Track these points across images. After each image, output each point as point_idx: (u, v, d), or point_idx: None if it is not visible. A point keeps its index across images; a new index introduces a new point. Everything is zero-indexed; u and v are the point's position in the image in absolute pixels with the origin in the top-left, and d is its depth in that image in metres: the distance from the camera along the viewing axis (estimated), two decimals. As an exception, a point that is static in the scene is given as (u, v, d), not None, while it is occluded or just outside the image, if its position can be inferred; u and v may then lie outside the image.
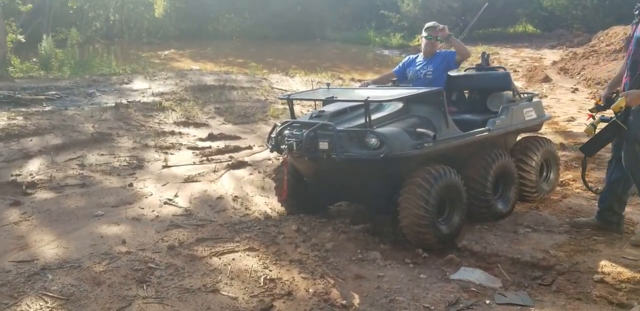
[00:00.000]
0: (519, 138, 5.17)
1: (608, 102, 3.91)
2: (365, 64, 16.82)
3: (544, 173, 5.02)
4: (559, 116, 8.28)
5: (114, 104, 8.04)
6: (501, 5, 20.80)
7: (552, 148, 5.07)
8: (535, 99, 5.29)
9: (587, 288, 3.26)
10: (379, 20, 25.53)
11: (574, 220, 4.28)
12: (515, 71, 13.50)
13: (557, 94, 10.59)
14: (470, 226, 4.23)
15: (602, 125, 3.89)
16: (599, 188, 4.25)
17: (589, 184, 4.20)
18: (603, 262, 3.52)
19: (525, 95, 5.25)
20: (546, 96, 10.24)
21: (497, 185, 4.52)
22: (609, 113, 3.93)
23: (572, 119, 8.07)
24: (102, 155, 6.19)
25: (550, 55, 16.15)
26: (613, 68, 11.79)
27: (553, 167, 5.07)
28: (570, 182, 5.34)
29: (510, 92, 5.08)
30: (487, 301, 3.18)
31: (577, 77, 12.34)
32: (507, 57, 16.40)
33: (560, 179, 5.29)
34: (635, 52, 3.69)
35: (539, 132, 5.51)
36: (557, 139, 6.76)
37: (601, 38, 15.63)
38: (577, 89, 11.01)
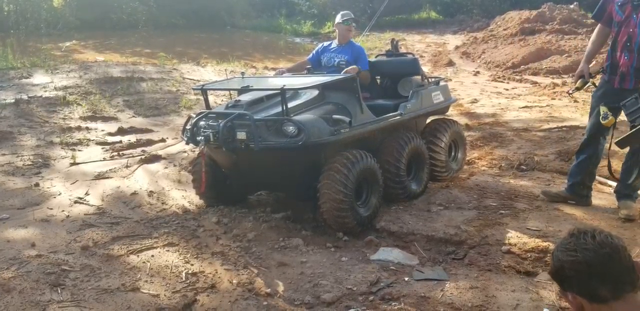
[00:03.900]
0: (428, 120, 5.38)
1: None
2: (277, 52, 16.73)
3: (452, 153, 5.28)
4: (463, 98, 8.69)
5: (13, 100, 7.50)
6: (406, -8, 21.44)
7: (458, 129, 5.34)
8: (442, 83, 5.53)
9: (496, 260, 3.49)
10: (289, 8, 25.47)
11: (543, 191, 4.42)
12: (421, 56, 13.95)
13: (460, 77, 11.10)
14: (387, 207, 4.38)
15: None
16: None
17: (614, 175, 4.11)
18: (509, 234, 3.77)
19: (433, 79, 5.48)
20: (451, 80, 10.70)
21: (410, 166, 4.70)
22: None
23: (475, 101, 8.51)
24: (4, 155, 5.79)
25: (453, 40, 16.85)
26: (510, 51, 12.52)
27: (460, 147, 5.33)
28: (476, 161, 5.64)
29: (419, 77, 5.28)
30: (406, 279, 3.32)
31: (478, 61, 12.98)
32: (414, 43, 16.93)
33: (467, 158, 5.57)
34: None
35: (446, 114, 5.78)
36: (462, 120, 7.09)
37: (498, 23, 16.54)
38: (478, 72, 11.60)
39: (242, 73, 5.18)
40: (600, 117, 3.74)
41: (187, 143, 4.34)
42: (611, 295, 1.50)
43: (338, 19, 5.18)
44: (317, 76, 4.70)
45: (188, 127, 4.26)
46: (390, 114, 4.58)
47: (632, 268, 1.53)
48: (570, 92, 4.23)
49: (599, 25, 4.07)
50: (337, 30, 5.25)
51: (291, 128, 3.87)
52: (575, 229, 1.62)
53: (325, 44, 5.40)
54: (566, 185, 4.32)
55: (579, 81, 4.04)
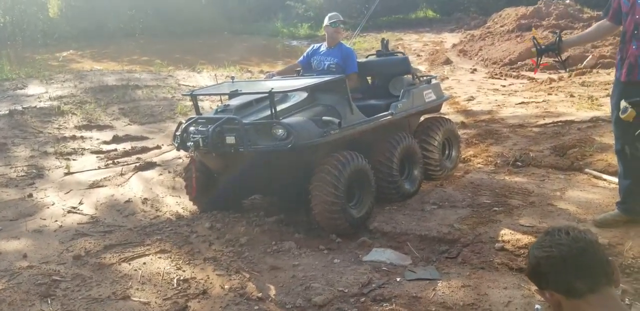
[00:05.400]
0: (421, 119, 5.35)
1: (551, 44, 3.77)
2: (274, 56, 16.73)
3: (446, 152, 5.25)
4: (459, 96, 8.65)
5: (7, 111, 7.53)
6: (402, -8, 21.47)
7: (452, 127, 5.31)
8: (433, 81, 5.51)
9: (490, 257, 3.45)
10: (285, 11, 25.48)
11: (596, 222, 3.73)
12: (418, 55, 13.94)
13: (457, 75, 11.05)
14: (381, 208, 4.35)
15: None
16: None
17: None
18: (503, 231, 3.73)
19: (424, 77, 5.45)
20: (447, 78, 10.66)
21: (403, 166, 4.67)
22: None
23: (471, 98, 8.46)
24: (-3, 166, 5.80)
25: (450, 39, 16.82)
26: (507, 47, 12.46)
27: (454, 145, 5.31)
28: (472, 158, 5.60)
29: (410, 76, 5.26)
30: (398, 279, 3.28)
31: (476, 58, 12.94)
32: (411, 42, 16.90)
33: (462, 156, 5.54)
34: None
35: (441, 112, 5.75)
36: (458, 118, 7.06)
37: (495, 20, 16.48)
38: (475, 70, 11.55)
39: (232, 77, 5.16)
40: (620, 112, 3.33)
41: (178, 149, 4.34)
42: (587, 288, 1.49)
43: (326, 21, 5.15)
44: (306, 78, 4.69)
45: (178, 133, 4.25)
46: (381, 114, 4.56)
47: (606, 261, 1.52)
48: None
49: (603, 20, 3.75)
50: (326, 33, 5.23)
51: (280, 131, 3.86)
52: (550, 227, 1.64)
53: (315, 46, 5.38)
54: (621, 207, 3.71)
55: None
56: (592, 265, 1.50)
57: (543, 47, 3.86)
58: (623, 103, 3.38)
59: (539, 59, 3.94)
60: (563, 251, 1.52)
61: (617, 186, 3.85)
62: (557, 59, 3.92)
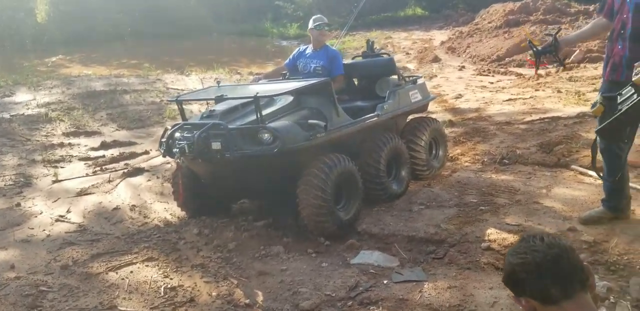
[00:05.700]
0: (408, 119, 5.36)
1: (548, 45, 3.70)
2: (264, 56, 16.71)
3: (433, 151, 5.27)
4: (447, 94, 8.67)
5: (-6, 120, 7.50)
6: (390, -10, 21.50)
7: (438, 126, 5.32)
8: (419, 81, 5.52)
9: (476, 257, 3.46)
10: (274, 12, 25.50)
11: (582, 220, 3.75)
12: (407, 53, 13.96)
13: (446, 73, 11.07)
14: (369, 209, 4.35)
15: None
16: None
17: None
18: (489, 231, 3.75)
19: (410, 78, 5.46)
20: (436, 75, 10.68)
21: (390, 167, 4.68)
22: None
23: (459, 96, 8.48)
24: (-16, 176, 5.77)
25: (438, 36, 16.85)
26: (495, 44, 12.50)
27: (441, 145, 5.32)
28: (459, 157, 5.61)
29: (396, 77, 5.26)
30: (385, 281, 3.29)
31: (464, 55, 12.96)
32: (400, 41, 16.91)
33: (450, 154, 5.56)
34: (635, 20, 3.28)
35: (429, 110, 5.75)
36: (446, 116, 7.08)
37: (483, 16, 16.55)
38: (464, 67, 11.58)
39: (218, 82, 5.16)
40: (590, 106, 3.33)
41: (164, 156, 4.33)
42: (562, 295, 1.50)
43: (310, 24, 5.14)
44: (292, 82, 4.68)
45: (163, 139, 4.24)
46: (367, 116, 4.56)
47: (580, 267, 1.52)
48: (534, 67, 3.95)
49: (599, 17, 3.70)
50: (311, 36, 5.22)
51: (266, 136, 3.86)
52: (525, 234, 1.64)
53: (302, 48, 5.37)
54: (606, 205, 3.74)
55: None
56: (566, 271, 1.50)
57: (540, 48, 3.83)
58: (596, 98, 3.39)
59: (538, 60, 3.91)
60: (537, 258, 1.52)
61: (602, 182, 3.87)
62: (555, 59, 3.91)
